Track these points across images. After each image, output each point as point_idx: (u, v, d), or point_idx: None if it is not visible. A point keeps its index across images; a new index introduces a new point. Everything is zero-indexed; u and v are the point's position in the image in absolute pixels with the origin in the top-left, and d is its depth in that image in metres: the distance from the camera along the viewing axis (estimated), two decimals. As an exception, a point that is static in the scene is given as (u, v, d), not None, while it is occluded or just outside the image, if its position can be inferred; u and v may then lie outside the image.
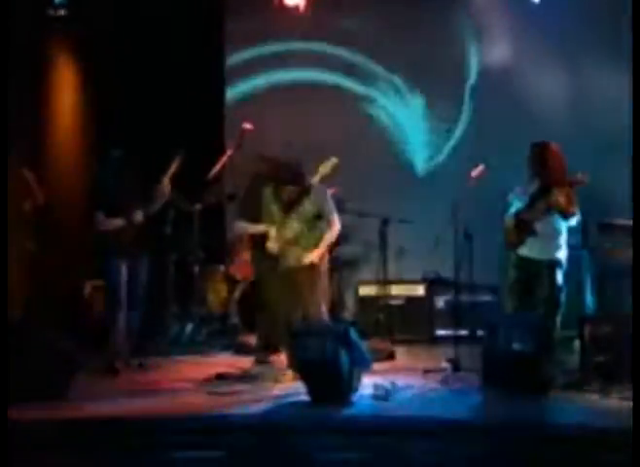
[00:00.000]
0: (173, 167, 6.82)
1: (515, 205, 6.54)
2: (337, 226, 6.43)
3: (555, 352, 6.20)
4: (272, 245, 6.43)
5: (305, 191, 6.39)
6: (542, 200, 6.39)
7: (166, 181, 6.81)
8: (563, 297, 6.47)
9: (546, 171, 6.41)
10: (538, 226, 6.41)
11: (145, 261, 6.86)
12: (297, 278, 6.32)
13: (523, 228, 6.47)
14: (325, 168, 6.57)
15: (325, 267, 6.45)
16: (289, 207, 6.40)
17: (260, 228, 6.72)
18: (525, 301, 6.47)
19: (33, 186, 7.51)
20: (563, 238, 6.51)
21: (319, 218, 6.40)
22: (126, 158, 6.79)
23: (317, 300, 6.28)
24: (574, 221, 6.48)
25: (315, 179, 6.51)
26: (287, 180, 6.38)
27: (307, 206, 6.39)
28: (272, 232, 6.43)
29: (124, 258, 6.72)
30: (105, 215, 6.67)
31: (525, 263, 6.49)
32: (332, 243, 6.57)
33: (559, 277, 6.46)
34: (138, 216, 6.71)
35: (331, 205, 6.44)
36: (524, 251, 6.49)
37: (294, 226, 6.38)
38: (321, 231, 6.40)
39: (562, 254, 6.50)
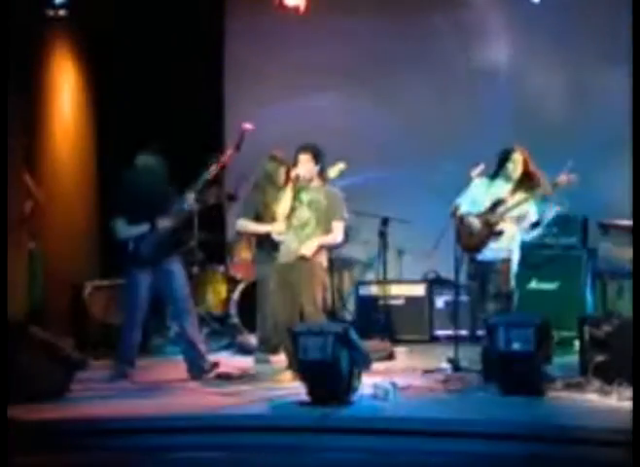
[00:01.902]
0: (206, 177, 6.59)
1: (466, 207, 6.58)
2: (339, 235, 6.35)
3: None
4: (278, 230, 6.41)
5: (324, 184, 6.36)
6: (507, 205, 6.47)
7: (193, 193, 6.56)
8: (515, 299, 6.49)
9: (516, 175, 6.50)
10: (500, 229, 6.50)
11: (175, 264, 6.51)
12: (292, 275, 6.27)
13: (488, 232, 6.51)
14: (332, 173, 6.60)
15: (323, 264, 6.37)
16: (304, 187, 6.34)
17: (263, 228, 6.72)
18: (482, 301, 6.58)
19: (33, 186, 7.52)
20: (517, 242, 6.58)
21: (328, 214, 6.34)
22: (153, 162, 6.58)
23: (313, 297, 6.25)
24: (536, 231, 6.59)
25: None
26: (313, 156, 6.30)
27: (322, 198, 6.33)
28: (281, 212, 6.35)
29: (146, 267, 6.43)
30: (127, 222, 6.41)
31: (480, 267, 6.55)
32: (329, 246, 6.52)
33: (511, 277, 6.50)
34: (164, 222, 6.40)
35: (343, 214, 6.37)
36: (480, 256, 6.55)
37: (304, 211, 6.32)
38: (328, 225, 6.34)
39: (515, 255, 6.56)
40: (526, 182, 6.50)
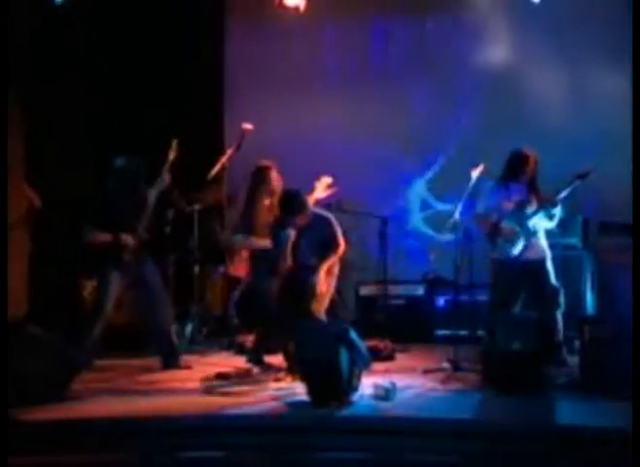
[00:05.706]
0: (172, 155, 6.80)
1: (493, 213, 6.64)
2: (342, 247, 6.52)
3: (557, 352, 6.26)
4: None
5: (311, 220, 6.43)
6: (531, 204, 6.56)
7: (166, 170, 6.78)
8: (562, 297, 6.52)
9: (530, 177, 6.60)
10: (528, 227, 6.56)
11: (148, 264, 6.75)
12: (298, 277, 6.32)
13: (517, 231, 6.58)
14: (318, 189, 6.72)
15: (334, 269, 6.50)
16: (299, 235, 6.42)
17: (260, 243, 6.75)
18: (514, 301, 6.59)
19: (29, 188, 7.53)
20: (544, 239, 6.67)
21: (327, 244, 6.45)
22: (133, 167, 6.71)
23: (317, 294, 6.29)
24: (555, 222, 6.64)
25: (312, 197, 6.64)
26: (290, 210, 6.37)
27: (316, 234, 6.42)
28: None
29: (120, 268, 6.62)
30: (98, 228, 6.55)
31: (514, 263, 6.58)
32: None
33: (552, 277, 6.56)
34: (128, 239, 6.58)
35: (337, 229, 6.49)
36: (516, 256, 6.59)
37: (307, 250, 6.43)
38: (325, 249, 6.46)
39: (547, 253, 6.65)
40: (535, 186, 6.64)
